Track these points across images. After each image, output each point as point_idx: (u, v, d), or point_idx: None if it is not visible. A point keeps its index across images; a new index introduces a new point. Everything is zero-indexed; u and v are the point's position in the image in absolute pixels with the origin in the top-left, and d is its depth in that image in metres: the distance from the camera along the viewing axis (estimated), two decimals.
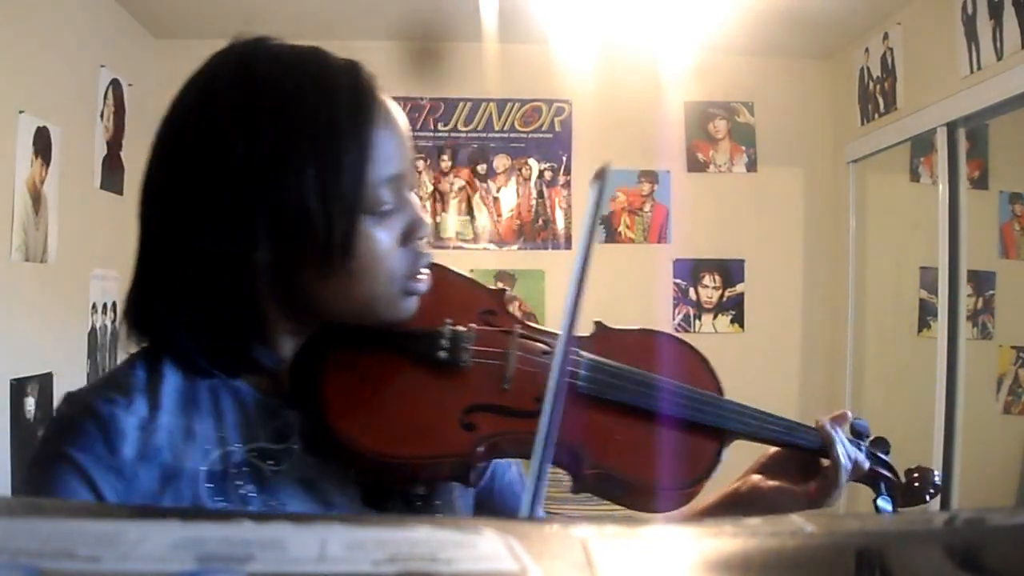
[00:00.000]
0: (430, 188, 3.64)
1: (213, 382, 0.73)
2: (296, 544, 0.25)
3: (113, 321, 2.94)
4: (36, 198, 2.54)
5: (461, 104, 3.63)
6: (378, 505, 0.75)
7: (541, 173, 3.66)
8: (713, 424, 0.83)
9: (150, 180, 0.74)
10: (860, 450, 0.91)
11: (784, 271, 3.68)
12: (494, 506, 0.88)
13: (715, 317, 3.65)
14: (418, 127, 3.62)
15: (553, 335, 0.82)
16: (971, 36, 2.63)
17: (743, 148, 3.69)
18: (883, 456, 0.94)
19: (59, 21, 2.69)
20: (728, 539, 0.30)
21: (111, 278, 2.94)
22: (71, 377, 2.63)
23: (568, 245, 3.61)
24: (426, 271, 0.77)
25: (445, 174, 3.65)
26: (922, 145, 3.11)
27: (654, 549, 0.29)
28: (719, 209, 3.66)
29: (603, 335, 0.87)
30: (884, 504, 0.92)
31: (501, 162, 3.66)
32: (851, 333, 3.49)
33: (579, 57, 3.50)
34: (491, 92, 3.59)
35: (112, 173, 3.03)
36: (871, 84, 3.34)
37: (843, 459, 0.87)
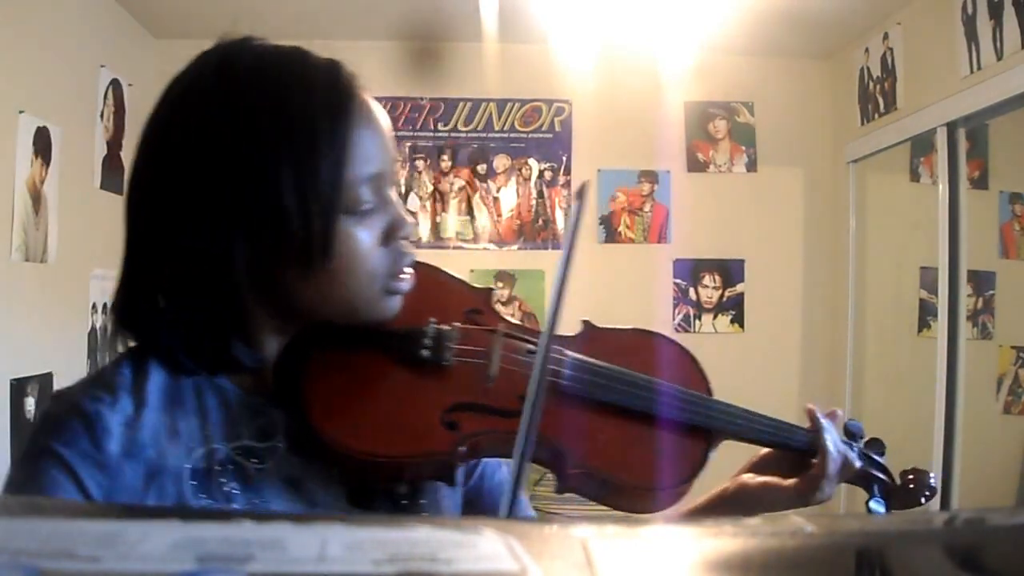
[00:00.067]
0: (430, 188, 3.64)
1: (198, 380, 0.73)
2: (296, 544, 0.25)
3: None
4: (36, 198, 2.54)
5: (461, 104, 3.63)
6: (364, 505, 0.75)
7: (541, 173, 3.66)
8: (700, 424, 0.82)
9: (134, 178, 0.75)
10: (852, 449, 0.90)
11: (784, 271, 3.68)
12: (483, 506, 0.87)
13: (715, 317, 3.65)
14: (418, 127, 3.62)
15: (539, 334, 0.81)
16: (971, 36, 2.63)
17: (743, 148, 3.69)
18: (877, 457, 0.93)
19: (59, 21, 2.69)
20: (728, 539, 0.30)
21: (111, 278, 2.91)
22: (71, 377, 2.60)
23: None
24: (409, 270, 0.77)
25: (445, 174, 3.65)
26: (922, 145, 3.11)
27: (654, 549, 0.29)
28: (719, 209, 3.66)
29: (590, 334, 0.86)
30: (877, 506, 0.91)
31: (501, 162, 3.66)
32: (851, 333, 3.49)
33: (579, 57, 3.50)
34: (491, 92, 3.59)
35: (112, 173, 3.03)
36: (871, 84, 3.34)
37: (831, 446, 0.87)
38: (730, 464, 0.93)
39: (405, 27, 3.22)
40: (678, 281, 3.65)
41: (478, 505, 0.87)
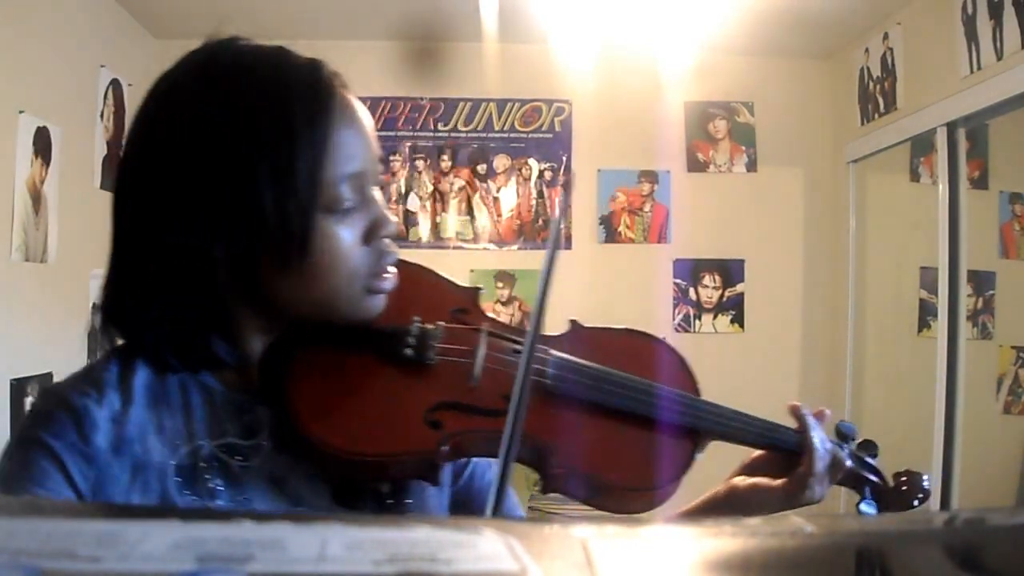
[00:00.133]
0: (430, 188, 3.64)
1: (183, 378, 0.73)
2: (296, 544, 0.25)
3: None
4: (36, 198, 2.54)
5: (461, 104, 3.63)
6: (348, 503, 0.75)
7: (541, 173, 3.66)
8: (687, 424, 0.81)
9: (119, 176, 0.75)
10: (843, 450, 0.90)
11: (784, 271, 3.68)
12: (473, 506, 0.86)
13: (715, 317, 3.65)
14: (418, 127, 3.62)
15: (524, 334, 0.81)
16: (971, 36, 2.63)
17: (743, 148, 3.69)
18: (869, 459, 0.92)
19: (59, 21, 2.69)
20: (728, 539, 0.30)
21: None
22: None
23: (568, 245, 3.61)
24: (392, 270, 0.77)
25: (445, 174, 3.65)
26: (922, 145, 3.11)
27: (654, 549, 0.29)
28: (719, 209, 3.66)
29: (577, 334, 0.86)
30: (867, 509, 0.89)
31: (501, 162, 3.66)
32: (851, 333, 3.49)
33: (579, 57, 3.50)
34: (491, 92, 3.59)
35: (112, 173, 3.02)
36: (871, 84, 3.34)
37: (817, 443, 0.86)
38: (724, 467, 0.93)
39: (405, 27, 3.22)
40: (678, 281, 3.65)
41: (468, 505, 0.86)
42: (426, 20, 3.22)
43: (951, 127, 2.81)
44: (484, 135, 3.64)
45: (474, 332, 0.80)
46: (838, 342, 3.57)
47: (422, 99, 3.61)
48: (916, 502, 0.91)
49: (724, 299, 3.66)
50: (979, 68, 2.60)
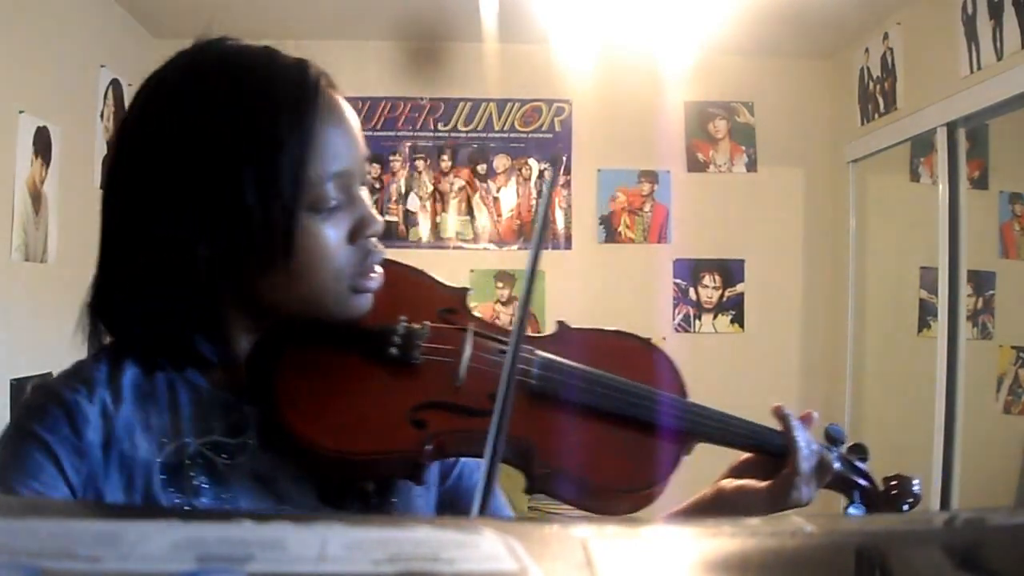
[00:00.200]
0: (430, 188, 3.64)
1: (171, 376, 0.74)
2: (296, 544, 0.25)
3: None
4: (36, 198, 2.54)
5: (461, 104, 3.63)
6: (334, 502, 0.75)
7: (541, 173, 3.66)
8: (672, 426, 0.81)
9: (108, 170, 0.76)
10: (831, 452, 0.89)
11: (784, 271, 3.69)
12: (461, 507, 0.86)
13: (715, 317, 3.65)
14: (418, 127, 3.62)
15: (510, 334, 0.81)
16: (971, 36, 2.63)
17: (743, 148, 3.69)
18: (858, 463, 0.92)
19: (59, 21, 2.69)
20: (728, 539, 0.30)
21: None
22: None
23: (568, 245, 3.61)
24: (378, 269, 0.77)
25: (445, 174, 3.65)
26: (922, 145, 3.11)
27: (654, 549, 0.29)
28: (719, 209, 3.66)
29: (564, 335, 0.86)
30: (856, 512, 0.89)
31: (501, 162, 3.66)
32: (851, 333, 3.49)
33: (579, 57, 3.50)
34: (491, 92, 3.59)
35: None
36: (871, 84, 3.34)
37: (801, 443, 0.86)
38: (715, 470, 0.93)
39: (405, 27, 3.22)
40: (678, 281, 3.65)
41: (456, 505, 0.86)
42: (426, 20, 3.22)
43: (951, 127, 2.81)
44: (484, 135, 3.64)
45: (460, 332, 0.80)
46: (838, 342, 3.57)
47: (422, 99, 3.61)
48: (906, 507, 0.91)
49: (724, 299, 3.66)
50: (979, 68, 2.61)
